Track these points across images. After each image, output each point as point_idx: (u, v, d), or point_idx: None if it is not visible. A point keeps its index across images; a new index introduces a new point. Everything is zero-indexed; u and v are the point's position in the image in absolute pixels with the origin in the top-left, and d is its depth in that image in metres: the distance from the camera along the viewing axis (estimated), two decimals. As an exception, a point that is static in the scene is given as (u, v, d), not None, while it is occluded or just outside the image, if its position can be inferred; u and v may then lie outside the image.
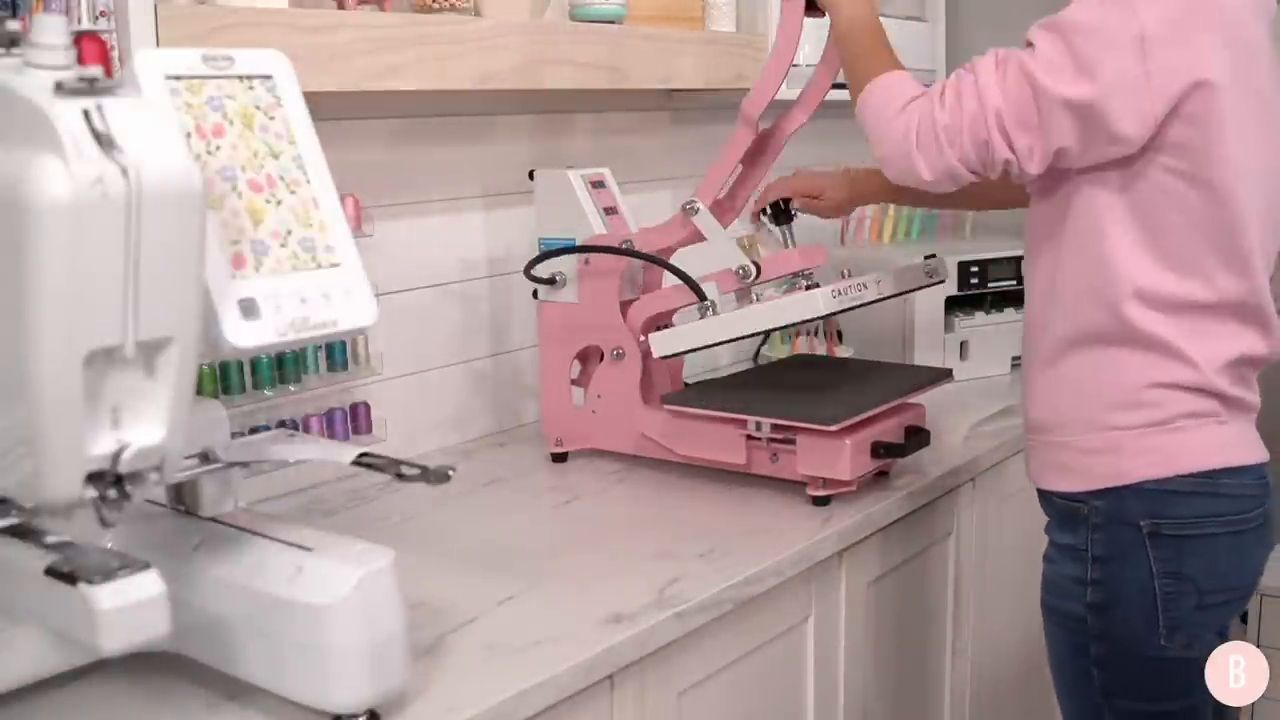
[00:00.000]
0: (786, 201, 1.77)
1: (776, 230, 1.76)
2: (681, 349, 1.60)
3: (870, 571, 1.61)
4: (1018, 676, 2.07)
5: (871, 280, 1.55)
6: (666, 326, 1.78)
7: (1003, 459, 1.88)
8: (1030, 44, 1.30)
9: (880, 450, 1.56)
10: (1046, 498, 1.45)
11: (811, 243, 1.89)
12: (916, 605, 1.77)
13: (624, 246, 1.67)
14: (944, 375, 1.72)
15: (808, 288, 1.60)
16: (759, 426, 1.58)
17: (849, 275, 1.61)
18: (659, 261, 1.67)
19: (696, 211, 1.64)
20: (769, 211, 1.77)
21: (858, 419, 1.53)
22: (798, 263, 1.63)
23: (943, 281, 1.74)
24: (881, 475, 1.65)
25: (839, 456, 1.52)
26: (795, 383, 1.75)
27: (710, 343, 1.57)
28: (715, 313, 1.58)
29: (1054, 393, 1.41)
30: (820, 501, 1.55)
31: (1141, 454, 1.34)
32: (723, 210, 1.70)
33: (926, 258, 1.70)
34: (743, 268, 1.60)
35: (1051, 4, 1.79)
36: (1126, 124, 1.25)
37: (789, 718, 1.51)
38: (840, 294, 1.50)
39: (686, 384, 1.83)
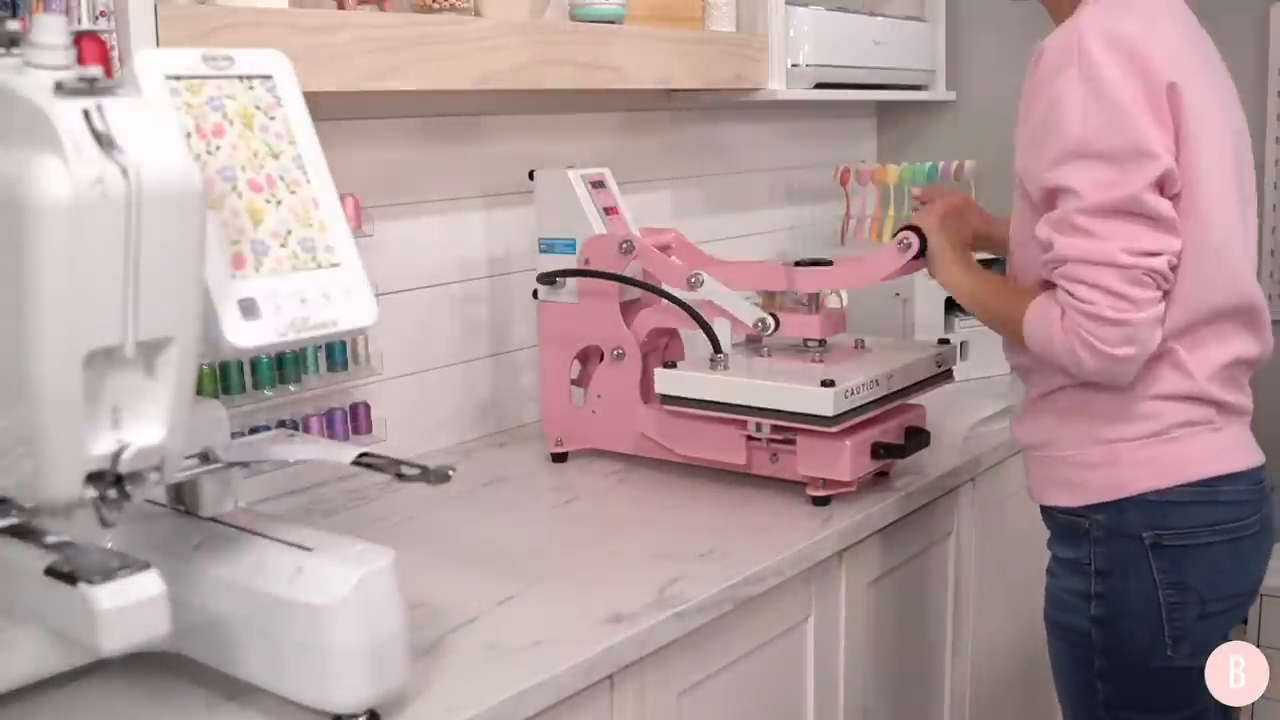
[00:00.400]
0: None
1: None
2: (682, 396, 1.60)
3: (870, 572, 1.61)
4: (1017, 676, 2.07)
5: (884, 376, 1.56)
6: (670, 341, 1.78)
7: (1003, 459, 1.88)
8: (1056, 190, 1.29)
9: (880, 451, 1.56)
10: (1048, 513, 1.46)
11: (815, 237, 1.89)
12: (916, 605, 1.77)
13: (664, 289, 1.69)
14: (944, 375, 1.72)
15: (818, 358, 1.63)
16: (759, 427, 1.57)
17: (861, 346, 1.67)
18: (682, 304, 1.65)
19: (702, 283, 1.65)
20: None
21: (858, 420, 1.52)
22: (817, 331, 1.66)
23: (951, 371, 1.73)
24: (881, 475, 1.65)
25: (839, 457, 1.51)
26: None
27: (712, 400, 1.57)
28: (726, 368, 1.59)
29: (1048, 413, 1.42)
30: (820, 501, 1.55)
31: (1141, 465, 1.35)
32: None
33: (940, 341, 1.72)
34: (761, 320, 1.62)
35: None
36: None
37: (789, 718, 1.51)
38: (851, 394, 1.51)
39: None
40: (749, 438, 1.59)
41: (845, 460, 1.51)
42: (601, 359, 1.75)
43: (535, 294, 1.77)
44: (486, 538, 1.49)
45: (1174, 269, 1.28)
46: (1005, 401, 2.04)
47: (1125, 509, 1.35)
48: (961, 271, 1.52)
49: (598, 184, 1.77)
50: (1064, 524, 1.42)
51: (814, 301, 1.68)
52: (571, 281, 1.73)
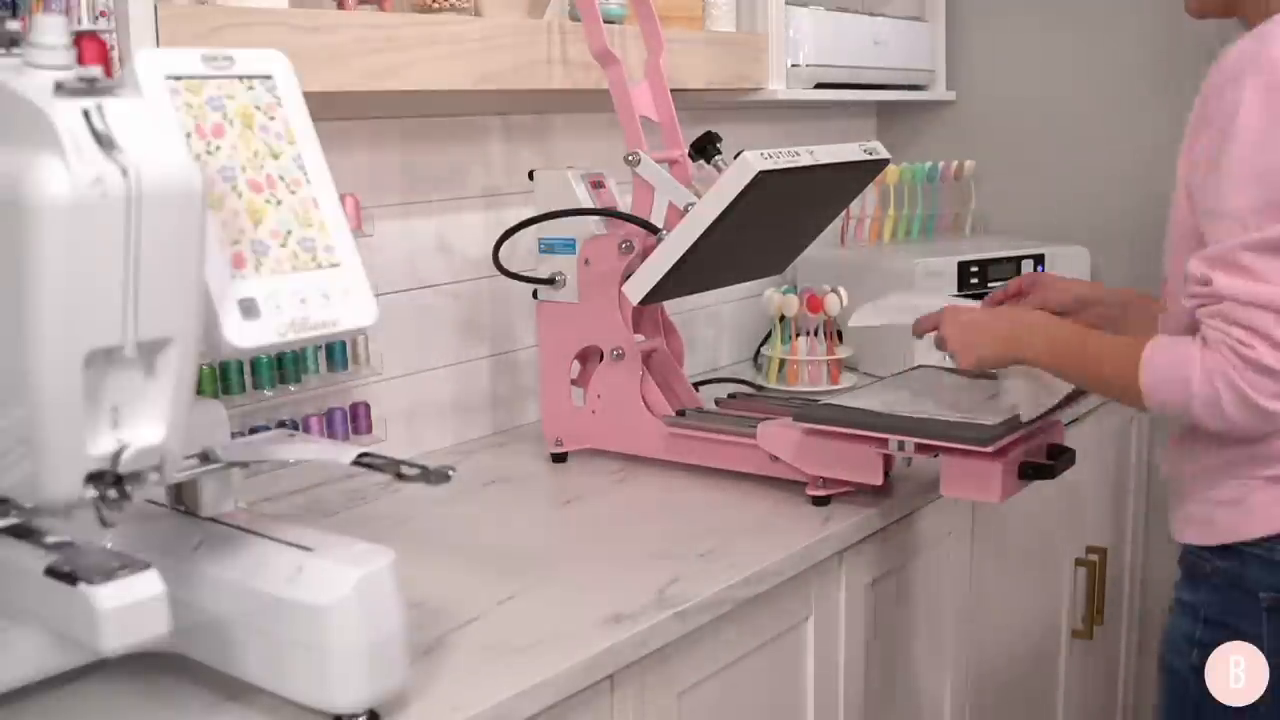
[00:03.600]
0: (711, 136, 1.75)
1: (709, 166, 1.74)
2: (652, 281, 1.58)
3: (870, 572, 1.61)
4: (1017, 677, 2.07)
5: (804, 150, 1.53)
6: (670, 340, 1.77)
7: (1003, 459, 1.88)
8: (1219, 213, 1.19)
9: (1029, 471, 1.45)
10: (1181, 551, 1.38)
11: (815, 244, 1.89)
12: (916, 606, 1.76)
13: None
14: (1079, 393, 1.52)
15: None
16: (901, 445, 1.47)
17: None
18: (607, 212, 1.68)
19: (639, 162, 1.65)
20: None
21: (1008, 440, 1.42)
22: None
23: (887, 161, 1.70)
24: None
25: (990, 479, 1.42)
26: (931, 395, 1.60)
27: (674, 259, 1.55)
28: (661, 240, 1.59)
29: (1197, 442, 1.32)
30: (820, 501, 1.55)
31: (1270, 505, 1.26)
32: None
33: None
34: (690, 204, 1.59)
35: (1051, 5, 1.78)
36: None
37: (789, 718, 1.51)
38: (770, 156, 1.48)
39: (810, 400, 1.67)
40: (886, 456, 1.50)
41: (996, 482, 1.41)
42: (601, 359, 1.75)
43: (535, 294, 1.77)
44: (486, 538, 1.49)
45: None
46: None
47: (1247, 560, 1.27)
48: (1039, 344, 1.37)
49: (597, 184, 1.77)
50: (1189, 564, 1.35)
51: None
52: (572, 281, 1.73)
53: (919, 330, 1.54)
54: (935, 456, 1.46)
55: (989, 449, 1.40)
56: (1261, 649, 1.27)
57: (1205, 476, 1.32)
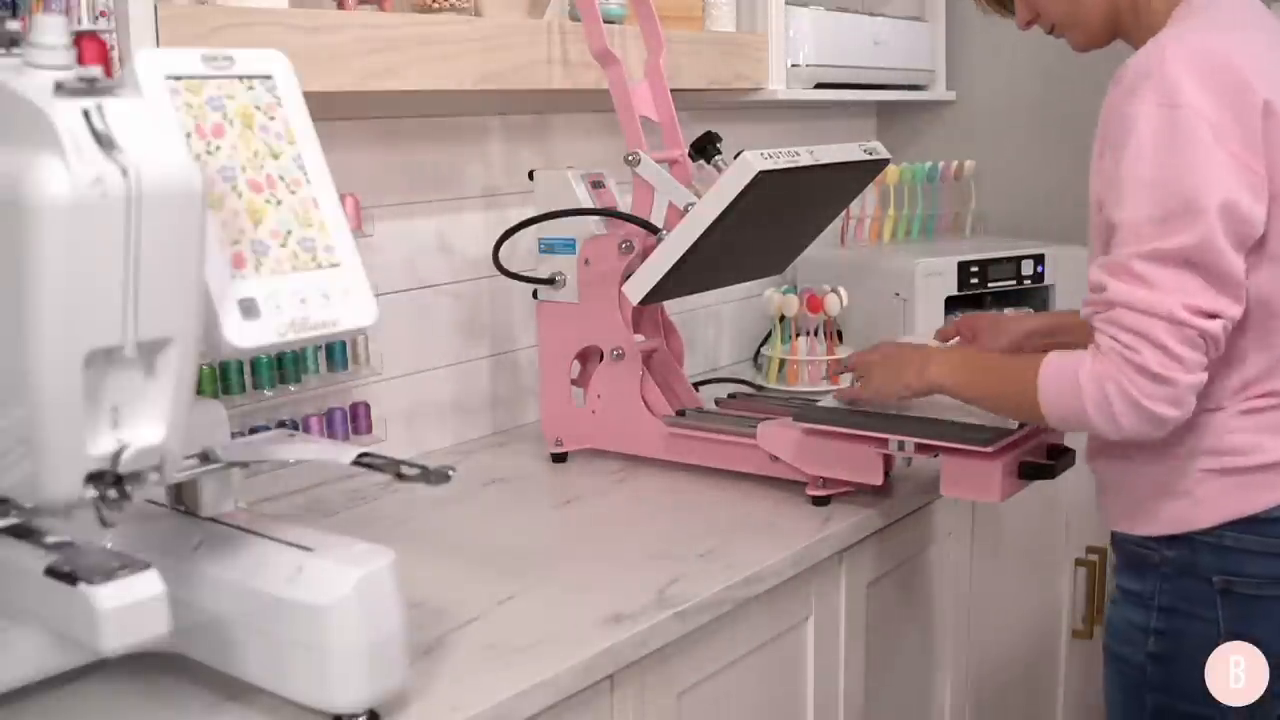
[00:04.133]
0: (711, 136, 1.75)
1: (709, 166, 1.74)
2: (652, 281, 1.58)
3: (870, 572, 1.61)
4: (1017, 677, 2.07)
5: (804, 150, 1.53)
6: (670, 340, 1.77)
7: (1003, 459, 1.88)
8: (1115, 225, 1.21)
9: (1028, 470, 1.45)
10: (1117, 541, 1.40)
11: (815, 244, 1.89)
12: (916, 606, 1.77)
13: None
14: None
15: None
16: (901, 445, 1.47)
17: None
18: (607, 212, 1.69)
19: (639, 162, 1.65)
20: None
21: (1007, 440, 1.43)
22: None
23: (887, 161, 1.71)
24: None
25: (990, 479, 1.42)
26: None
27: (675, 259, 1.55)
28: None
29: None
30: (820, 501, 1.55)
31: (1217, 497, 1.26)
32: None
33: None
34: (690, 204, 1.59)
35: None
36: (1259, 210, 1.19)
37: (789, 718, 1.51)
38: (770, 156, 1.48)
39: (810, 400, 1.70)
40: (886, 456, 1.51)
41: (996, 482, 1.42)
42: (601, 359, 1.75)
43: (535, 294, 1.77)
44: (486, 538, 1.49)
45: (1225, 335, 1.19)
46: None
47: (1198, 548, 1.28)
48: (940, 369, 1.40)
49: (597, 184, 1.77)
50: (1131, 554, 1.35)
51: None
52: (572, 281, 1.73)
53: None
54: (935, 456, 1.46)
55: (989, 449, 1.40)
56: (1217, 631, 1.28)
57: (1142, 469, 1.31)
